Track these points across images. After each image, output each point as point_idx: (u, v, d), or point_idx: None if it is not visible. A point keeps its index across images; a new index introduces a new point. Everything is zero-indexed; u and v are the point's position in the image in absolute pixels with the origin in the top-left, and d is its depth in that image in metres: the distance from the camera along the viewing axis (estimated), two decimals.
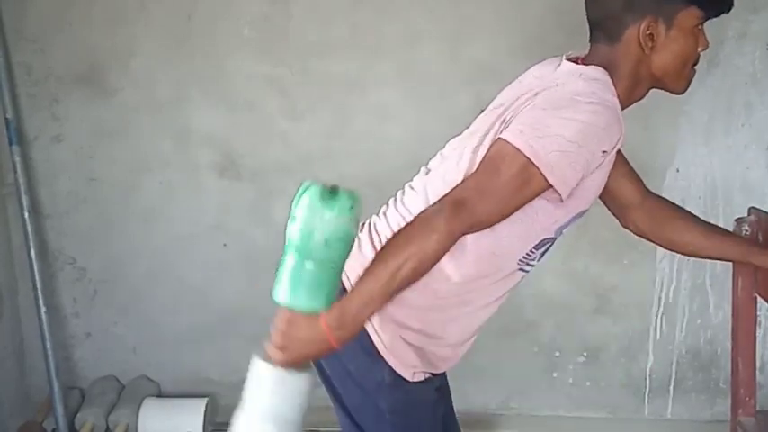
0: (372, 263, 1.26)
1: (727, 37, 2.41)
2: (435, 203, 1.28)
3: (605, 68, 1.41)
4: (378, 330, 1.42)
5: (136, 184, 2.61)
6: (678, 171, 2.54)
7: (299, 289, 1.23)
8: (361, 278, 1.25)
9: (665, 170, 2.54)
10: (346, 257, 1.25)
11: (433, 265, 1.25)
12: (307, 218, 1.23)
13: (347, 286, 1.40)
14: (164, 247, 2.65)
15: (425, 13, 2.48)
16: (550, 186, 1.29)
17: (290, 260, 1.24)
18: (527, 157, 1.27)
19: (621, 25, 1.41)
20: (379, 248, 1.41)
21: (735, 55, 2.44)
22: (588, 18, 1.47)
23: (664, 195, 2.45)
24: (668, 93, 1.50)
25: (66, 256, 2.66)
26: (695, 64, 1.48)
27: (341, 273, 1.26)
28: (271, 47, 2.51)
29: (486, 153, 1.33)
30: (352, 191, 1.24)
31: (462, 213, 1.24)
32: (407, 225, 1.28)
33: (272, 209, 2.62)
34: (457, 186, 1.30)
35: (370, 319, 1.34)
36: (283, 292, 1.24)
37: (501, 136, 1.31)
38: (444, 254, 1.25)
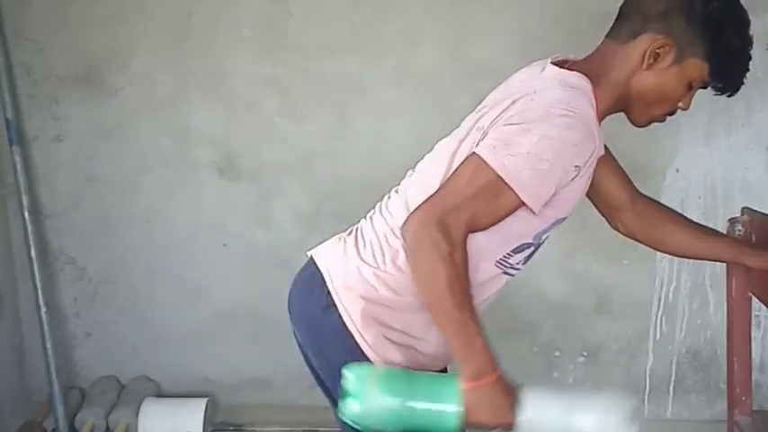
0: (433, 317, 1.33)
1: None
2: (417, 229, 1.30)
3: (597, 72, 1.41)
4: (361, 331, 1.42)
5: (136, 184, 2.61)
6: (678, 171, 2.54)
7: (442, 412, 1.32)
8: (443, 332, 1.33)
9: (665, 170, 2.54)
10: (403, 371, 1.37)
11: (466, 271, 1.30)
12: (372, 417, 1.34)
13: (326, 279, 1.46)
14: (164, 247, 2.65)
15: (425, 13, 2.48)
16: (522, 203, 1.31)
17: (416, 425, 1.33)
18: (498, 175, 1.29)
19: (643, 27, 1.40)
20: (362, 253, 1.45)
21: None
22: (621, 8, 1.46)
23: (663, 195, 2.49)
24: (633, 122, 1.49)
25: (66, 256, 2.66)
26: (669, 114, 1.47)
27: (422, 374, 1.37)
28: (271, 47, 2.51)
29: (460, 165, 1.34)
30: (347, 376, 1.34)
31: (452, 229, 1.28)
32: (415, 271, 1.32)
33: (272, 209, 2.62)
34: (427, 202, 1.32)
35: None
36: (449, 426, 1.33)
37: (475, 150, 1.33)
38: (465, 262, 1.30)
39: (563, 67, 1.41)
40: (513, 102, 1.35)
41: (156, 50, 2.52)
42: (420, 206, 1.32)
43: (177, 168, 2.60)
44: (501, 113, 1.35)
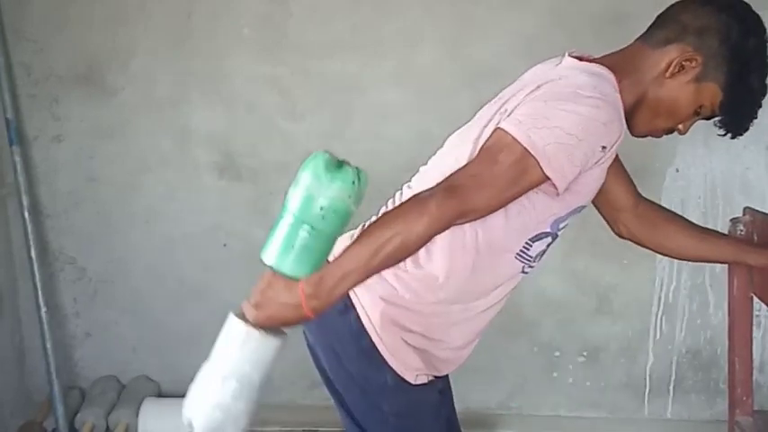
0: (359, 236, 1.25)
1: None
2: (431, 188, 1.25)
3: (622, 68, 1.41)
4: (380, 333, 1.42)
5: (136, 184, 2.61)
6: (678, 171, 2.54)
7: (289, 254, 1.23)
8: (345, 250, 1.24)
9: (665, 170, 2.54)
10: (339, 233, 1.24)
11: (417, 248, 1.24)
12: (309, 184, 1.24)
13: None
14: (164, 247, 2.65)
15: (425, 13, 2.48)
16: (547, 178, 1.29)
17: (285, 224, 1.24)
18: (524, 147, 1.26)
19: (678, 37, 1.40)
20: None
21: None
22: (659, 16, 1.47)
23: (663, 196, 2.49)
24: (630, 128, 1.48)
25: (66, 256, 2.66)
26: (667, 131, 1.49)
27: (331, 246, 1.24)
28: (271, 47, 2.51)
29: (485, 142, 1.32)
30: (360, 169, 1.23)
31: (454, 199, 1.23)
32: (400, 204, 1.27)
33: (272, 209, 2.60)
34: (453, 173, 1.28)
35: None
36: (272, 254, 1.24)
37: (500, 125, 1.30)
38: (430, 239, 1.23)
39: (581, 60, 1.42)
40: (538, 86, 1.33)
41: (156, 50, 2.52)
42: (446, 178, 1.27)
43: (177, 168, 2.60)
44: (527, 96, 1.33)
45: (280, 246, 1.24)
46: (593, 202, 1.64)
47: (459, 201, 1.23)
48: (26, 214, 2.53)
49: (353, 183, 1.22)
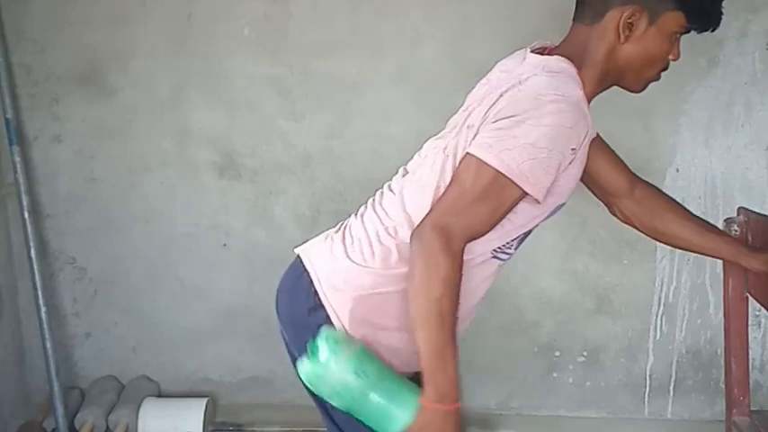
0: (415, 328, 1.30)
1: (726, 37, 2.40)
2: (417, 237, 1.29)
3: (575, 55, 1.41)
4: (349, 332, 1.41)
5: (136, 184, 2.61)
6: (678, 171, 2.54)
7: (391, 415, 1.30)
8: (420, 346, 1.29)
9: (665, 170, 2.54)
10: (378, 360, 1.34)
11: (460, 282, 1.29)
12: (327, 384, 1.32)
13: (314, 280, 1.46)
14: (164, 247, 2.66)
15: (425, 13, 2.48)
16: (526, 194, 1.31)
17: (360, 410, 1.32)
18: (499, 171, 1.28)
19: (606, 5, 1.41)
20: (350, 251, 1.44)
21: (735, 55, 2.43)
22: None
23: None
24: (629, 90, 1.50)
25: (67, 256, 2.66)
26: (663, 70, 1.48)
27: (391, 371, 1.33)
28: (271, 47, 2.51)
29: (457, 168, 1.34)
30: (325, 333, 1.34)
31: (452, 240, 1.27)
32: (410, 278, 1.30)
33: (272, 209, 2.62)
34: (433, 210, 1.32)
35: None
36: (391, 429, 1.31)
37: (470, 151, 1.32)
38: (461, 273, 1.29)
39: (543, 54, 1.43)
40: (501, 95, 1.34)
41: (156, 50, 2.52)
42: (425, 217, 1.32)
43: (177, 168, 2.60)
44: (489, 108, 1.35)
45: (383, 421, 1.31)
46: (589, 187, 1.64)
47: (456, 239, 1.28)
48: (26, 214, 2.53)
49: (336, 341, 1.32)
